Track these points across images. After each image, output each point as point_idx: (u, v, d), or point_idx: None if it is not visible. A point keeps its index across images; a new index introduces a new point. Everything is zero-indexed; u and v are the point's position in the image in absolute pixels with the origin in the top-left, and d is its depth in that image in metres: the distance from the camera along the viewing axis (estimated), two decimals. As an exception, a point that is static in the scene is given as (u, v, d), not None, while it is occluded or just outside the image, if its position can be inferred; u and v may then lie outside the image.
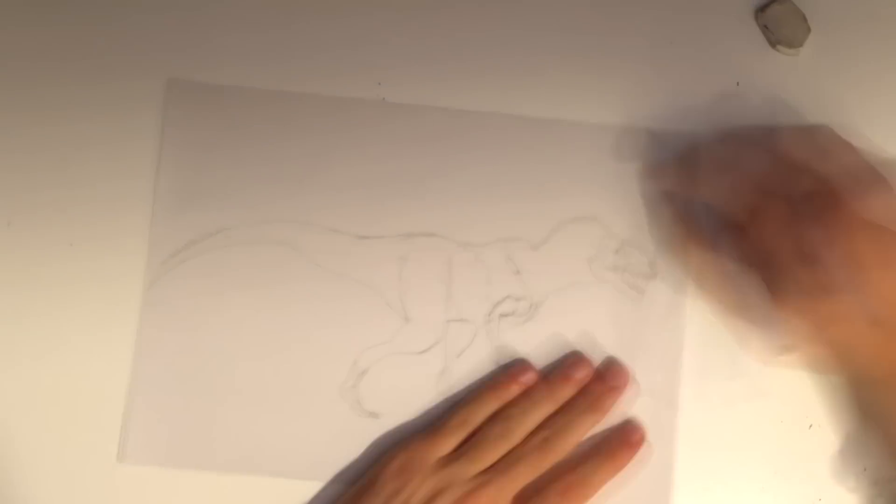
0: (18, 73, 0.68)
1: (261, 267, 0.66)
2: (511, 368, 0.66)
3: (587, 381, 0.65)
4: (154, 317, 0.66)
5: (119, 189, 0.67)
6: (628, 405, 0.66)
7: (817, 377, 0.66)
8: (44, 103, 0.67)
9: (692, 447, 0.66)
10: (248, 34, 0.68)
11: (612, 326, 0.67)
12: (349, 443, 0.65)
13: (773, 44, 0.69)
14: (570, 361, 0.66)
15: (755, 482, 0.66)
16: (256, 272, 0.66)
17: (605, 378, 0.66)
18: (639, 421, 0.66)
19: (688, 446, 0.66)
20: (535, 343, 0.66)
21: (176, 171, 0.67)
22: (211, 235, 0.66)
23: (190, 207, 0.66)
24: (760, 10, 0.69)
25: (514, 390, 0.65)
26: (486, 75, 0.69)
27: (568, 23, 0.69)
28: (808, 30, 0.69)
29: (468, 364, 0.66)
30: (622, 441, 0.65)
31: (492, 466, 0.63)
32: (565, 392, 0.65)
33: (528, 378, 0.65)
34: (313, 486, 0.65)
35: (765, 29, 0.69)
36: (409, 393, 0.66)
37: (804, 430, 0.67)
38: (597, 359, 0.66)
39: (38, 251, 0.66)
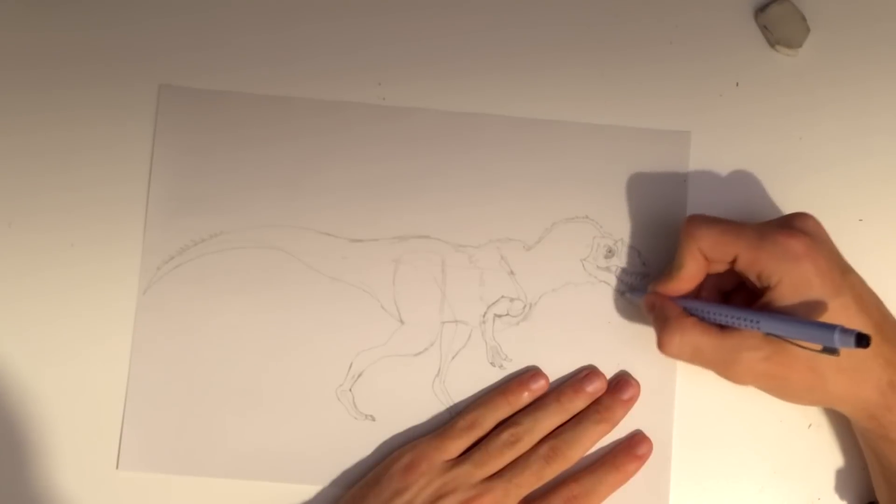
0: (14, 77, 0.68)
1: (255, 271, 0.67)
2: (522, 376, 0.66)
3: (599, 394, 0.65)
4: (149, 322, 0.66)
5: (117, 192, 0.67)
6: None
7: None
8: (39, 107, 0.68)
9: (690, 446, 0.66)
10: (246, 38, 0.69)
11: (607, 326, 0.67)
12: (346, 446, 0.66)
13: (773, 44, 0.69)
14: (583, 374, 0.66)
15: (754, 481, 0.66)
16: (250, 277, 0.67)
17: (615, 390, 0.66)
18: (645, 433, 0.66)
19: (686, 446, 0.66)
20: (530, 343, 0.67)
21: (169, 176, 0.67)
22: (204, 240, 0.67)
23: (184, 212, 0.67)
24: (760, 10, 0.69)
25: (524, 398, 0.65)
26: (485, 75, 0.69)
27: (567, 23, 0.69)
28: (808, 30, 0.69)
29: (464, 365, 0.66)
30: (629, 452, 0.65)
31: (498, 472, 0.63)
32: (576, 403, 0.65)
33: (540, 387, 0.65)
34: (311, 490, 0.66)
35: (764, 29, 0.69)
36: (405, 395, 0.66)
37: (804, 430, 0.67)
38: (590, 359, 0.67)
39: (38, 252, 0.67)
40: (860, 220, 0.68)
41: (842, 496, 0.66)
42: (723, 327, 0.60)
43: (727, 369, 0.60)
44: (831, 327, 0.53)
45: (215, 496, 0.65)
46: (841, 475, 0.66)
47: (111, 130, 0.68)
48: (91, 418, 0.65)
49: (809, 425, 0.66)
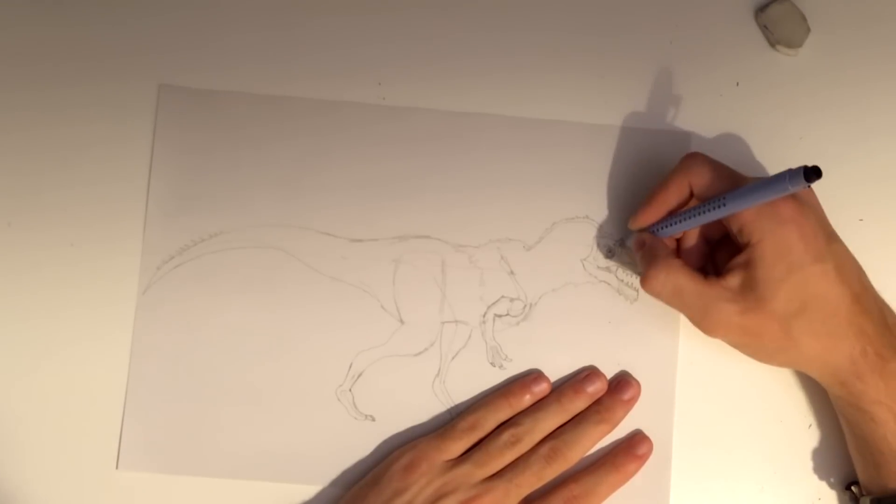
0: (14, 76, 0.68)
1: (255, 271, 0.67)
2: (524, 378, 0.66)
3: (599, 395, 0.65)
4: (149, 322, 0.66)
5: (117, 192, 0.67)
6: (626, 405, 0.66)
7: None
8: (39, 106, 0.68)
9: (690, 446, 0.66)
10: (245, 37, 0.69)
11: (607, 326, 0.67)
12: (346, 446, 0.66)
13: (773, 44, 0.69)
14: (584, 375, 0.66)
15: (754, 481, 0.66)
16: (250, 277, 0.67)
17: (616, 390, 0.66)
18: (645, 433, 0.66)
19: (686, 446, 0.66)
20: (531, 343, 0.67)
21: (169, 176, 0.67)
22: (204, 240, 0.67)
23: (183, 212, 0.67)
24: (760, 10, 0.69)
25: (526, 401, 0.65)
26: (485, 75, 0.69)
27: (567, 23, 0.69)
28: (808, 30, 0.69)
29: (464, 365, 0.66)
30: (628, 452, 0.65)
31: (498, 473, 0.63)
32: (576, 404, 0.65)
33: (541, 389, 0.65)
34: (311, 490, 0.65)
35: (765, 29, 0.69)
36: (405, 395, 0.66)
37: (804, 430, 0.67)
38: (591, 359, 0.67)
39: (38, 251, 0.67)
40: (860, 219, 0.68)
41: (842, 496, 0.66)
42: (706, 276, 0.61)
43: (703, 317, 0.61)
44: (781, 176, 0.55)
45: (215, 496, 0.65)
46: (841, 475, 0.66)
47: (111, 130, 0.68)
48: (91, 418, 0.65)
49: (809, 425, 0.66)
